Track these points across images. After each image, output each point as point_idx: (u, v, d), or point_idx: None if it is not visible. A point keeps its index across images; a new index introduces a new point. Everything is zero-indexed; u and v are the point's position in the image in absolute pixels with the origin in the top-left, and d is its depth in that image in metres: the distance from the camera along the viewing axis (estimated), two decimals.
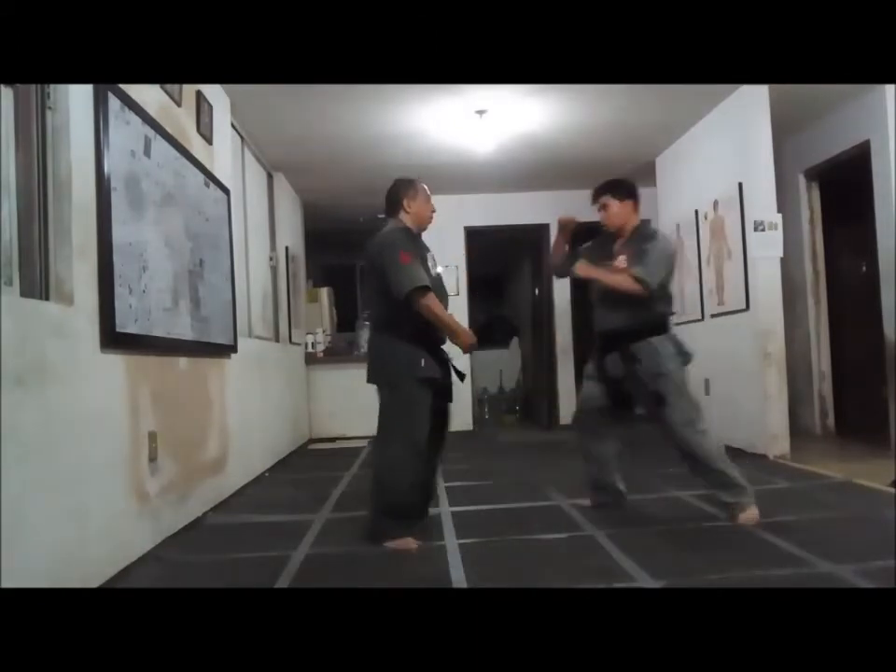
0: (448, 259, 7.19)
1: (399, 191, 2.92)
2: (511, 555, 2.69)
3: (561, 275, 3.48)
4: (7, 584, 1.79)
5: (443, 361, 2.89)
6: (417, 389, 2.75)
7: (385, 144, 5.48)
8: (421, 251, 2.86)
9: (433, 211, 2.99)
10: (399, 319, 2.75)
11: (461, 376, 2.97)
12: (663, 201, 6.24)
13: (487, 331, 8.61)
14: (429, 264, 2.87)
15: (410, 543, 2.77)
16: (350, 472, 4.84)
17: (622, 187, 3.16)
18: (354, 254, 9.56)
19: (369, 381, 2.87)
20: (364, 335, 7.30)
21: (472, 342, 2.84)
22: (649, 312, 2.99)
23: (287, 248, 6.26)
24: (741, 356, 4.88)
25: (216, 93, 4.01)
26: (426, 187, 2.97)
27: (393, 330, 2.79)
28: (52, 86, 2.31)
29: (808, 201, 5.61)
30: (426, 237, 3.02)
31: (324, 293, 7.61)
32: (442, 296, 2.87)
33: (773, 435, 4.62)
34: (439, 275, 2.96)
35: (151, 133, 2.93)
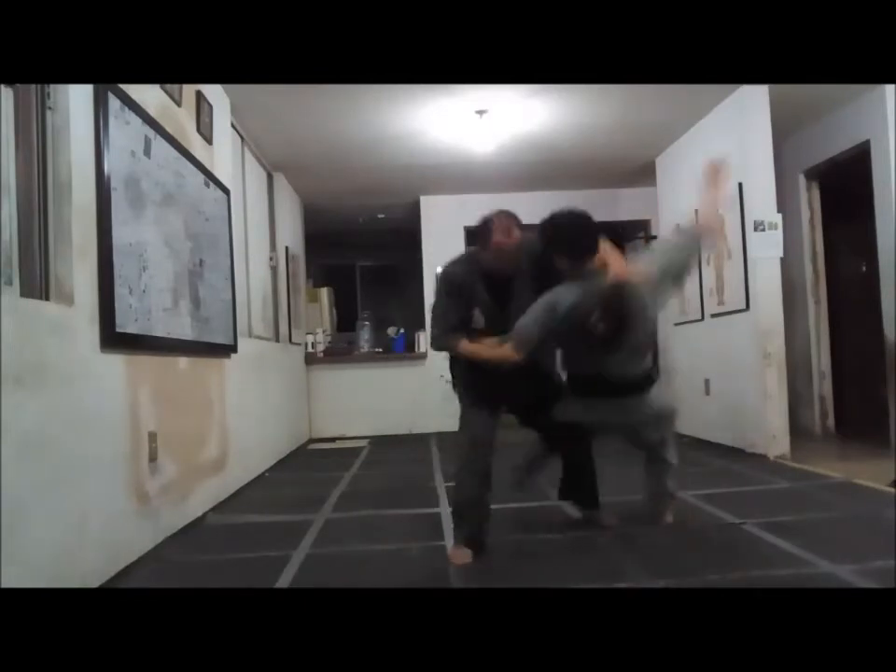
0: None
1: (479, 228, 2.73)
2: (512, 555, 2.69)
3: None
4: (6, 584, 1.79)
5: (510, 384, 2.72)
6: (467, 409, 2.79)
7: (385, 144, 5.48)
8: (470, 288, 2.72)
9: (509, 245, 2.64)
10: None
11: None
12: (663, 201, 6.24)
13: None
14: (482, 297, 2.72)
15: (462, 557, 2.64)
16: (350, 472, 4.84)
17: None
18: (354, 254, 9.64)
19: None
20: (364, 335, 7.32)
21: (497, 359, 2.65)
22: None
23: (286, 248, 6.26)
24: (741, 356, 4.88)
25: (216, 93, 4.01)
26: (506, 218, 2.68)
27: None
28: (52, 86, 2.31)
29: (808, 201, 5.61)
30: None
31: (324, 293, 7.61)
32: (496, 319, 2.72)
33: (773, 435, 4.62)
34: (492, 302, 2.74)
35: (151, 132, 2.93)
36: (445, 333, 2.74)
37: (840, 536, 2.77)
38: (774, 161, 4.73)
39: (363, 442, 6.52)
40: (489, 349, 2.67)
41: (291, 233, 6.58)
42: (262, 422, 4.96)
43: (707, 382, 5.42)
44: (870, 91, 4.62)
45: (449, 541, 2.88)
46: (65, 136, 2.34)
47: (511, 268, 2.68)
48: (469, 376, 2.78)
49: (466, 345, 2.71)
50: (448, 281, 2.81)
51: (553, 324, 2.59)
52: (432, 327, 2.84)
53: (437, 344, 2.81)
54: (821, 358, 5.59)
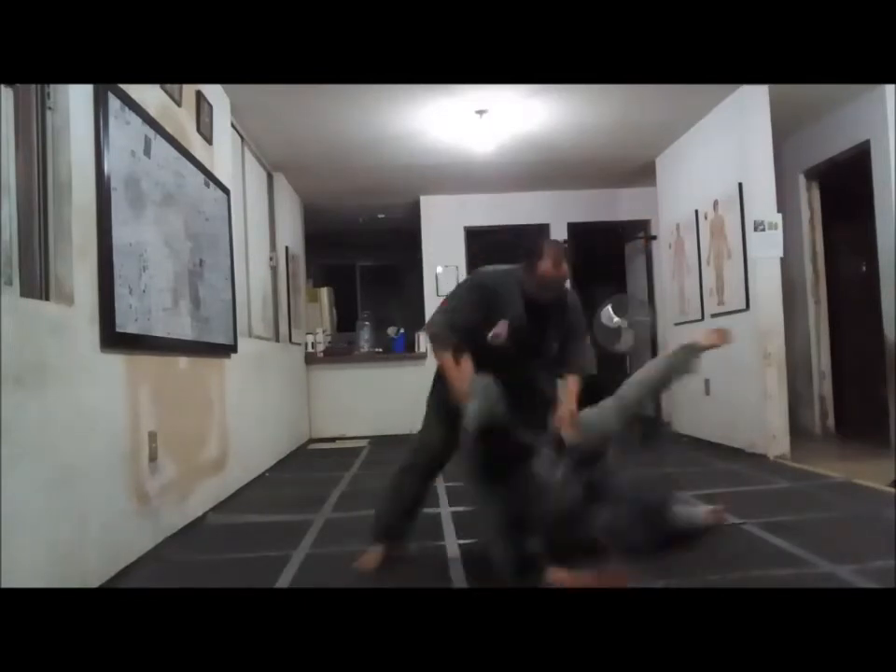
0: (448, 259, 7.20)
1: (529, 250, 2.57)
2: None
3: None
4: (6, 584, 1.79)
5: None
6: (427, 415, 2.69)
7: (384, 144, 5.48)
8: (504, 300, 2.57)
9: (554, 281, 2.54)
10: None
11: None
12: (663, 201, 6.25)
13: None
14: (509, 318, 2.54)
15: (366, 562, 2.55)
16: (350, 472, 4.84)
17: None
18: (354, 254, 9.64)
19: None
20: (364, 335, 7.32)
21: (459, 396, 2.48)
22: None
23: (287, 248, 6.26)
24: (741, 356, 4.88)
25: (216, 93, 4.01)
26: (557, 248, 2.56)
27: None
28: (52, 86, 2.31)
29: (808, 201, 5.61)
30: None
31: (324, 293, 7.62)
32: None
33: (773, 435, 4.62)
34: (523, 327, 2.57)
35: (151, 132, 2.93)
36: (443, 327, 2.57)
37: (840, 536, 2.77)
38: (774, 160, 4.73)
39: (363, 442, 6.52)
40: (458, 377, 2.49)
41: (291, 233, 6.58)
42: (262, 422, 4.96)
43: (706, 382, 5.42)
44: (870, 91, 4.62)
45: (449, 541, 2.88)
46: (65, 136, 2.34)
47: (551, 298, 2.58)
48: (442, 386, 2.58)
49: (447, 358, 2.53)
50: (479, 281, 2.64)
51: None
52: (436, 313, 2.65)
53: (429, 330, 2.63)
54: (821, 358, 5.59)
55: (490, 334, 2.53)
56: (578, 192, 7.26)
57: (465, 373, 2.50)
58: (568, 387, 2.68)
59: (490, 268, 2.71)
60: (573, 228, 7.36)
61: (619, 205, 7.31)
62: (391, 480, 2.68)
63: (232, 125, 4.57)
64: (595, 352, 2.83)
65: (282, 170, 6.12)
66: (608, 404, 2.61)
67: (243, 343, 4.27)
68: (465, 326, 2.54)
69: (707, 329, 2.90)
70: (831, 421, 5.56)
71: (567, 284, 2.72)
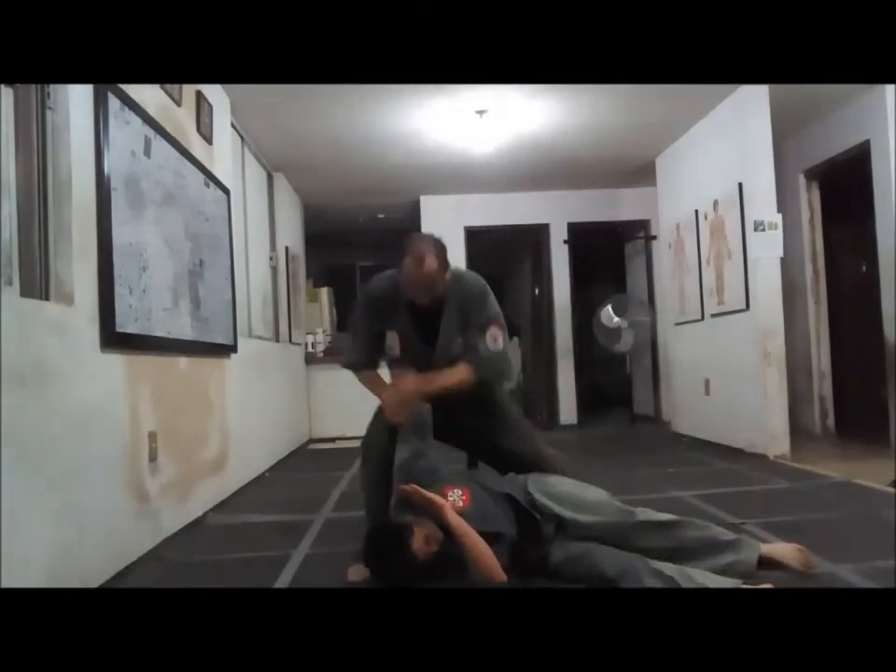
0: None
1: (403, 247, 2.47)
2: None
3: None
4: (6, 584, 1.79)
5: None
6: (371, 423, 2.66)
7: (384, 144, 5.48)
8: (389, 310, 2.51)
9: (420, 280, 2.39)
10: None
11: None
12: (663, 201, 6.25)
13: None
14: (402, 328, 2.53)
15: (353, 573, 2.38)
16: (350, 472, 4.83)
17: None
18: (354, 254, 9.64)
19: None
20: None
21: (392, 415, 2.45)
22: None
23: (287, 248, 6.26)
24: (741, 356, 4.88)
25: (216, 93, 4.01)
26: (424, 244, 2.42)
27: None
28: (52, 86, 2.31)
29: (808, 201, 5.61)
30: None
31: (324, 293, 7.61)
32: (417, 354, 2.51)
33: (773, 435, 4.63)
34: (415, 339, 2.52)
35: (151, 133, 2.93)
36: (350, 350, 2.63)
37: (840, 536, 2.77)
38: (774, 160, 4.73)
39: None
40: (382, 395, 2.52)
41: (291, 233, 6.58)
42: (262, 422, 4.96)
43: (706, 382, 5.42)
44: (870, 91, 4.62)
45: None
46: (65, 136, 2.33)
47: (425, 299, 2.42)
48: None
49: (367, 376, 2.62)
50: (365, 297, 2.64)
51: None
52: (346, 340, 2.70)
53: (342, 362, 2.70)
54: (821, 358, 5.59)
55: (387, 347, 2.57)
56: (578, 192, 7.27)
57: (381, 387, 2.57)
58: (449, 371, 2.43)
59: (377, 277, 2.66)
60: (573, 228, 7.36)
61: (619, 205, 7.31)
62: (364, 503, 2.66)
63: (232, 125, 4.57)
64: (504, 358, 2.51)
65: (282, 170, 6.12)
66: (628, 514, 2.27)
67: (243, 343, 4.27)
68: (368, 344, 2.59)
69: (794, 549, 2.26)
70: (831, 421, 5.56)
71: (446, 278, 2.45)
